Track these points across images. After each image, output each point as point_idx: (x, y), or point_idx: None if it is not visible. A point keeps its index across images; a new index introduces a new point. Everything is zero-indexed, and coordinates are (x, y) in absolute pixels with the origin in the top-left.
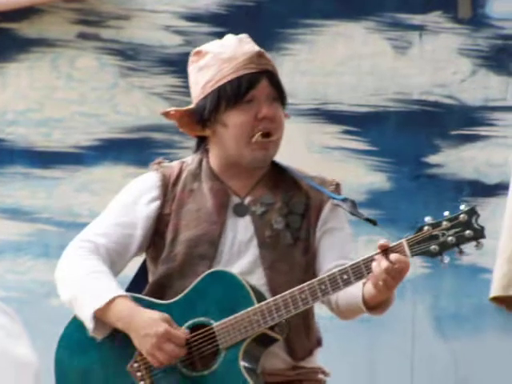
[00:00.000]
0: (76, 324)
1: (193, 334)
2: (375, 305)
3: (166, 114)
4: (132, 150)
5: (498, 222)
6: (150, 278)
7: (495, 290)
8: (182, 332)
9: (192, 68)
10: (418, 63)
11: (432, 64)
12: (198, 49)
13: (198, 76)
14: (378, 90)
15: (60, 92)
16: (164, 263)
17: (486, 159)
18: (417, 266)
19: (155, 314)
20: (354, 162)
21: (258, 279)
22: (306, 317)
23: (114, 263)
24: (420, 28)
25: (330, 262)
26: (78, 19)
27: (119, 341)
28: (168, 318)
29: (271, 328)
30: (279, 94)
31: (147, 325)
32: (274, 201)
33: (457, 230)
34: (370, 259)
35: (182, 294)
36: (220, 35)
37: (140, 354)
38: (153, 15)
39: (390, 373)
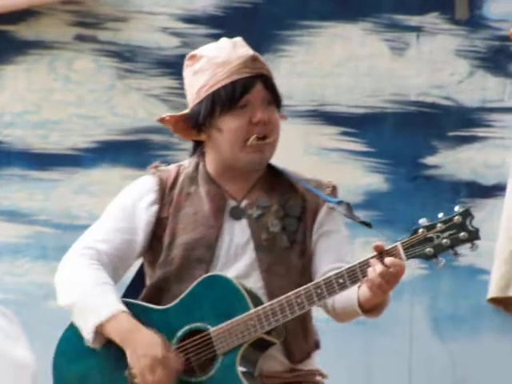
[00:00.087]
0: (74, 329)
1: (190, 340)
2: (370, 308)
3: (161, 120)
4: (130, 151)
5: (496, 224)
6: (148, 282)
7: (493, 291)
8: (179, 361)
9: (187, 72)
10: (416, 64)
11: (429, 65)
12: (192, 53)
13: (193, 80)
14: (375, 92)
15: (57, 94)
16: (161, 267)
17: (483, 160)
18: (414, 268)
19: (155, 336)
20: (351, 164)
21: (255, 282)
22: (304, 320)
23: (117, 269)
24: (417, 29)
25: (326, 264)
26: (75, 21)
27: (115, 349)
28: (167, 344)
29: (268, 332)
30: (274, 98)
31: (145, 344)
32: (270, 204)
33: (451, 232)
34: (366, 263)
35: (178, 299)
36: (217, 37)
37: None
38: (150, 17)
39: (388, 374)
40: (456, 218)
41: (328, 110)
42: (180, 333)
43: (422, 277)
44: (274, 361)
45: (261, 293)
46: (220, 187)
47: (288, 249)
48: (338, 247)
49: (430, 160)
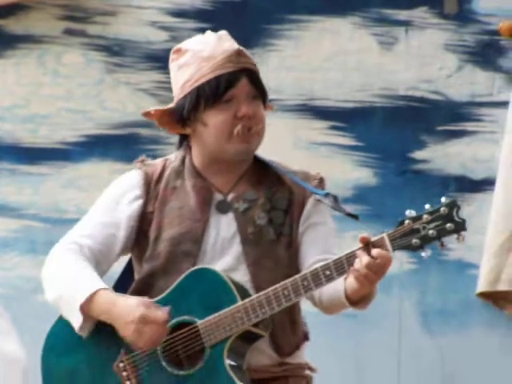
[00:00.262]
0: (62, 323)
1: (178, 333)
2: (358, 299)
3: (147, 114)
4: (119, 146)
5: (485, 218)
6: (136, 277)
7: (482, 286)
8: (161, 312)
9: (172, 66)
10: (404, 59)
11: (418, 60)
12: (177, 46)
13: (178, 74)
14: (364, 86)
15: (46, 88)
16: (148, 261)
17: (472, 155)
18: (403, 262)
19: (132, 300)
20: (340, 158)
21: (242, 276)
22: (292, 312)
23: (100, 263)
24: (406, 24)
25: (312, 256)
26: (64, 15)
27: (103, 341)
28: (146, 302)
29: (255, 325)
30: (260, 92)
31: (125, 313)
32: (256, 197)
33: (438, 223)
34: (353, 255)
35: (166, 293)
36: (206, 31)
37: (125, 353)
38: (139, 11)
39: (377, 368)
40: (442, 209)
41: (317, 105)
42: (167, 326)
43: (410, 271)
44: (263, 355)
45: (248, 286)
46: (206, 180)
47: (275, 242)
48: (324, 239)
49: (418, 154)
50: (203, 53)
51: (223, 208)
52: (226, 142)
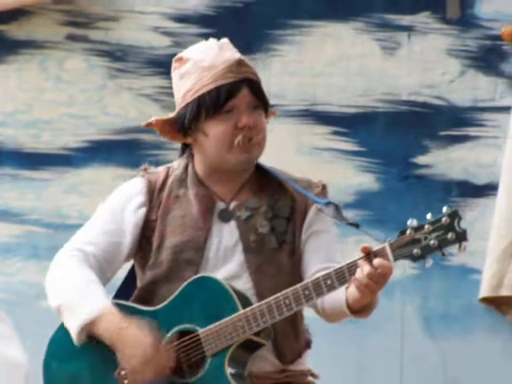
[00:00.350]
0: (64, 330)
1: (179, 341)
2: (359, 308)
3: (148, 125)
4: (121, 151)
5: (487, 223)
6: (138, 284)
7: (485, 291)
8: (169, 360)
9: (174, 74)
10: (407, 64)
11: (420, 65)
12: (179, 55)
13: (180, 84)
14: (366, 91)
15: (49, 93)
16: (151, 269)
17: (474, 160)
18: (406, 267)
19: (145, 336)
20: (342, 163)
21: (245, 283)
22: (294, 320)
23: (104, 271)
24: (408, 29)
25: (315, 264)
26: (66, 21)
27: (105, 349)
28: (157, 342)
29: (256, 334)
30: (261, 102)
31: (135, 345)
32: (259, 205)
33: (439, 233)
34: (354, 264)
35: (168, 301)
36: (208, 36)
37: None
38: (141, 16)
39: (379, 373)
40: (444, 219)
41: (319, 110)
42: (169, 334)
43: (413, 276)
44: (265, 361)
45: (250, 294)
46: (208, 189)
47: (277, 250)
48: (327, 247)
49: (421, 159)
50: (204, 62)
51: (225, 216)
52: (226, 153)
